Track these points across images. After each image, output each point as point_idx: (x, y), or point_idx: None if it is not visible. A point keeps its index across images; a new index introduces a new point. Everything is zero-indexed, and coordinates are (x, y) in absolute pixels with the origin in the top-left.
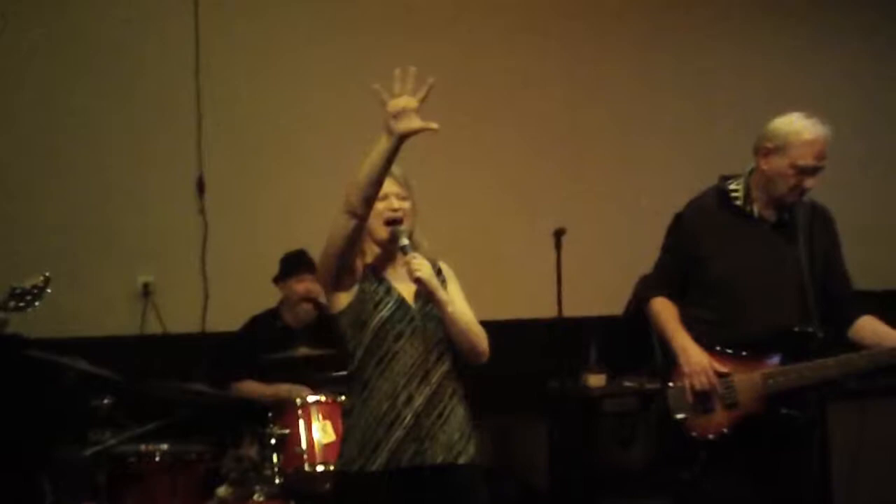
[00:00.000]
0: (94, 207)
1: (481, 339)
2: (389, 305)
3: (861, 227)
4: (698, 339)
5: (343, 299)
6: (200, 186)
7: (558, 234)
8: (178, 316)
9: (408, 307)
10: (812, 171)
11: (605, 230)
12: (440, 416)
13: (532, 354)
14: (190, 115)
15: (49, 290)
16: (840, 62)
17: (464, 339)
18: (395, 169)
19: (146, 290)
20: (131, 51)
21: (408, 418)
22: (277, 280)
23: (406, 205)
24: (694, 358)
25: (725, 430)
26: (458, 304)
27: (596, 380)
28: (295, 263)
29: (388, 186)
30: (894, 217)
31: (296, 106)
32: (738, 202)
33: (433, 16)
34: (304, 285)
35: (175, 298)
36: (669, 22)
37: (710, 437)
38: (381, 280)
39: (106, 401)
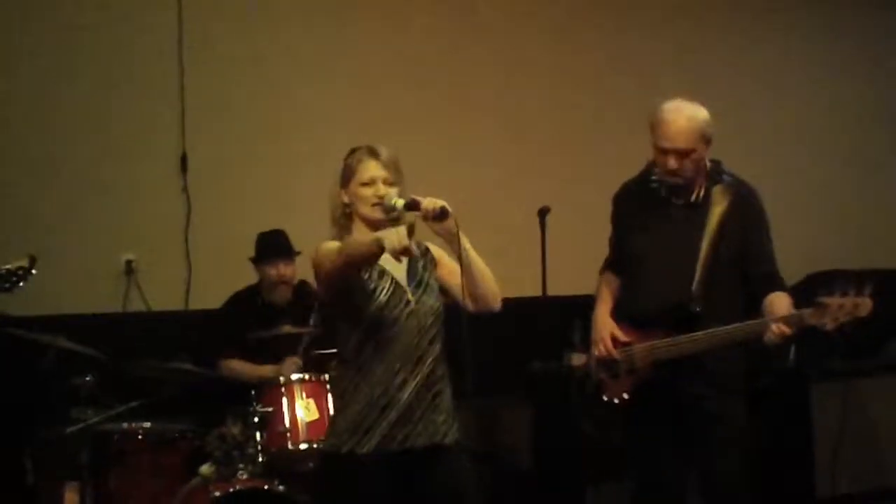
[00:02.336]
0: (76, 185)
1: (494, 281)
2: (385, 290)
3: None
4: (616, 310)
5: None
6: (183, 164)
7: (542, 213)
8: (161, 294)
9: (402, 290)
10: (667, 152)
11: (590, 209)
12: (434, 398)
13: (516, 334)
14: (173, 92)
15: (34, 272)
16: (831, 52)
17: (482, 282)
18: (383, 152)
19: (129, 268)
20: (114, 29)
21: (402, 401)
22: (253, 261)
23: (392, 190)
24: (598, 328)
25: (626, 395)
26: (473, 251)
27: (580, 360)
28: (267, 248)
29: (375, 171)
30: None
31: (279, 84)
32: (654, 184)
33: (420, 2)
34: (277, 270)
35: (158, 276)
36: (652, 4)
37: (616, 400)
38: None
39: (88, 379)
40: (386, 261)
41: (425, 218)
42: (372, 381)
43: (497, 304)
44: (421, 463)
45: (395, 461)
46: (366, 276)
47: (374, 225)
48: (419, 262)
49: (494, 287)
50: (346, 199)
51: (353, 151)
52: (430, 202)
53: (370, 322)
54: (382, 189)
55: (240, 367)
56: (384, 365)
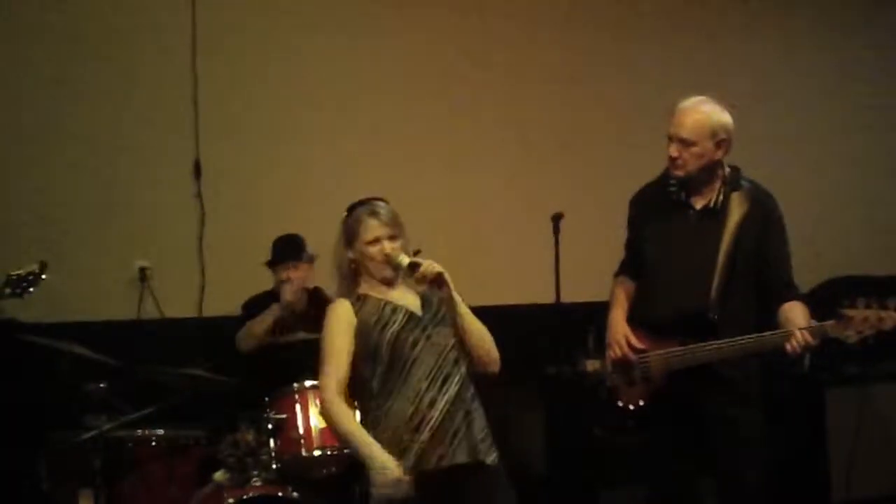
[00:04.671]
0: (90, 192)
1: (492, 345)
2: (398, 322)
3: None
4: (631, 316)
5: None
6: (197, 170)
7: (556, 219)
8: (175, 300)
9: (418, 318)
10: (672, 139)
11: (603, 215)
12: (466, 415)
13: (530, 340)
14: (186, 98)
15: (45, 277)
16: (837, 56)
17: (479, 343)
18: (382, 210)
19: (143, 275)
20: (128, 35)
21: (433, 420)
22: (269, 264)
23: (396, 244)
24: (613, 331)
25: (642, 403)
26: (470, 315)
27: (594, 365)
28: (276, 252)
29: (377, 230)
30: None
31: (292, 89)
32: (672, 188)
33: (432, 8)
34: (286, 273)
35: (172, 283)
36: (666, 12)
37: (632, 407)
38: (384, 304)
39: (102, 385)
40: (396, 298)
41: (423, 280)
42: (401, 404)
43: (495, 369)
44: (459, 481)
45: (432, 480)
46: (374, 318)
47: (385, 282)
48: (434, 298)
49: (492, 351)
50: (351, 256)
51: (350, 212)
52: (427, 266)
53: (391, 351)
54: (388, 246)
55: (249, 328)
56: (411, 387)
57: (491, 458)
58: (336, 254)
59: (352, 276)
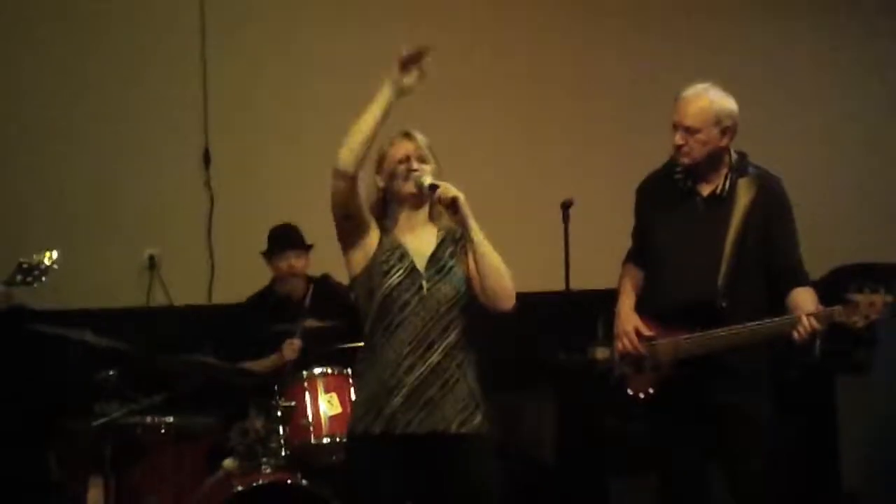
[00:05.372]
0: (100, 179)
1: (508, 280)
2: (399, 273)
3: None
4: (639, 304)
5: (359, 261)
6: (206, 159)
7: (566, 206)
8: (184, 288)
9: (418, 275)
10: (676, 127)
11: (613, 202)
12: (444, 385)
13: (539, 328)
14: (196, 87)
15: (56, 267)
16: (845, 43)
17: (492, 274)
18: (417, 135)
19: (152, 263)
20: (139, 23)
21: (407, 386)
22: (266, 255)
23: (426, 167)
24: (620, 321)
25: (651, 391)
26: (487, 245)
27: (603, 353)
28: (276, 241)
29: (408, 147)
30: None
31: (302, 78)
32: (678, 175)
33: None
34: (287, 262)
35: (181, 271)
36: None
37: (641, 395)
38: (397, 246)
39: (112, 373)
40: (412, 244)
41: (439, 202)
42: (382, 362)
43: (508, 304)
44: (431, 449)
45: (404, 444)
46: (386, 255)
47: (410, 201)
48: (447, 249)
49: (508, 286)
50: (381, 184)
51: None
52: (444, 189)
53: (381, 302)
54: (415, 163)
55: (249, 367)
56: (393, 348)
57: (468, 428)
58: (367, 186)
59: (380, 207)
